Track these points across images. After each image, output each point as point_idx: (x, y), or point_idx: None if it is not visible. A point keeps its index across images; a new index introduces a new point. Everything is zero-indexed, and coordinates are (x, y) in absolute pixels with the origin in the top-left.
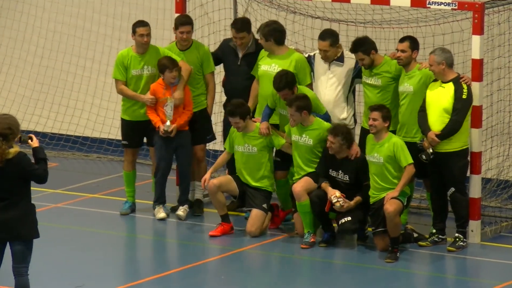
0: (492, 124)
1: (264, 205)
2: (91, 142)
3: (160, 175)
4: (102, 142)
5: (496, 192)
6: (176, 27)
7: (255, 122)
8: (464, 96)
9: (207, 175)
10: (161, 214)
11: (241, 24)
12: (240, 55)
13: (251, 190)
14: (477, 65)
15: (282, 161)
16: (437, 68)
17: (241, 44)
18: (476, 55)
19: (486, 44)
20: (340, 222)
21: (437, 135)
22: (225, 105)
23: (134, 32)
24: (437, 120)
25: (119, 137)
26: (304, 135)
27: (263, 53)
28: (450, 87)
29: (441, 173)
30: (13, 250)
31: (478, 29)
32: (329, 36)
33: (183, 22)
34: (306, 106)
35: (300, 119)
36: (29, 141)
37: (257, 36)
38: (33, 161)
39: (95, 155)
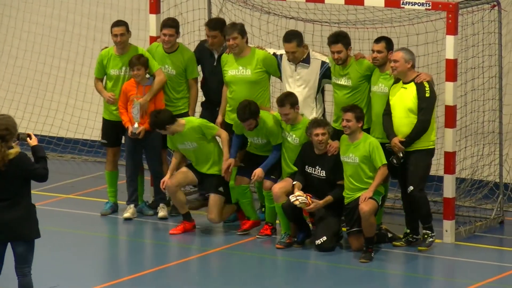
0: (466, 124)
1: (220, 189)
2: (66, 142)
3: (129, 174)
4: (77, 143)
5: (471, 192)
6: (160, 29)
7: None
8: (427, 95)
9: (166, 177)
10: (126, 214)
11: (214, 23)
12: (216, 55)
13: (204, 176)
14: (451, 65)
15: (246, 168)
16: (403, 66)
17: (213, 43)
18: (450, 55)
19: (460, 44)
20: (316, 244)
21: (407, 138)
22: (203, 104)
23: (111, 32)
24: (404, 121)
25: (94, 137)
26: (291, 133)
27: (225, 57)
28: (412, 88)
29: (405, 171)
30: (15, 251)
31: (452, 29)
32: (294, 37)
33: (166, 24)
34: (297, 101)
35: (294, 116)
36: (28, 139)
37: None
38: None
39: (69, 155)
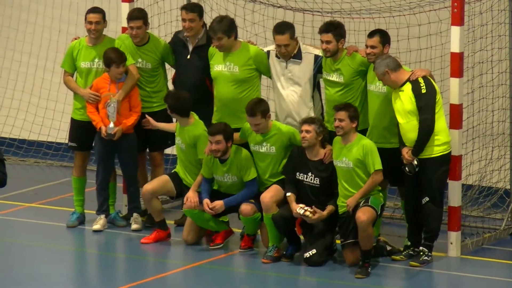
0: (474, 124)
1: None
2: (28, 145)
3: (99, 181)
4: (41, 146)
5: (478, 200)
6: (127, 22)
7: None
8: (423, 91)
9: (190, 193)
10: (96, 225)
11: (192, 5)
12: (191, 47)
13: (186, 189)
14: (457, 59)
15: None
16: (384, 79)
17: (190, 28)
18: (455, 48)
19: (466, 36)
20: (305, 257)
21: (415, 145)
22: None
23: (85, 19)
24: (407, 126)
25: (60, 140)
26: (264, 144)
27: (212, 50)
28: (407, 88)
29: (417, 179)
30: None
31: (458, 19)
32: (287, 28)
33: (132, 16)
34: (268, 108)
35: (265, 125)
36: None
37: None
38: None
39: (32, 159)
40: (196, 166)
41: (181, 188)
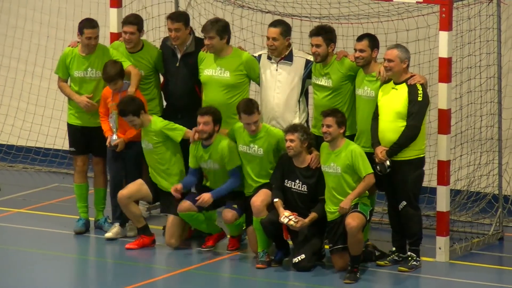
0: (462, 130)
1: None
2: (16, 151)
3: (112, 189)
4: (29, 151)
5: (466, 206)
6: (122, 26)
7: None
8: (419, 98)
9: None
10: (108, 233)
11: (178, 14)
12: (179, 55)
13: (166, 194)
14: (445, 64)
15: (196, 194)
16: (398, 66)
17: (176, 37)
18: (443, 53)
19: (454, 41)
20: (294, 262)
21: (394, 145)
22: (163, 110)
23: (81, 32)
24: (390, 126)
25: (49, 146)
26: (252, 145)
27: (202, 55)
28: (403, 89)
29: (393, 184)
30: None
31: (446, 24)
32: (281, 24)
33: (126, 21)
34: (258, 106)
35: (259, 124)
36: None
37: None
38: None
39: (20, 165)
40: (167, 165)
41: (156, 192)
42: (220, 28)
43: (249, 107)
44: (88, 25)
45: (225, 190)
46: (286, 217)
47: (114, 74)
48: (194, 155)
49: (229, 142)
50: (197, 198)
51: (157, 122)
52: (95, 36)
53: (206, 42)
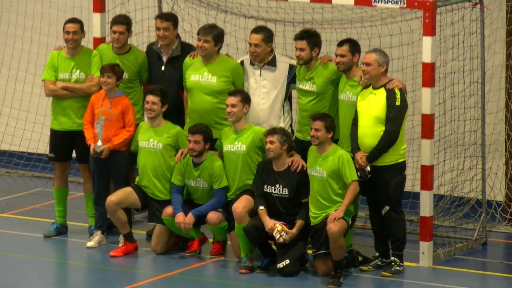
0: (445, 134)
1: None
2: None
3: (94, 197)
4: (12, 156)
5: (450, 210)
6: (110, 26)
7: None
8: (397, 103)
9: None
10: (89, 242)
11: (167, 15)
12: (165, 59)
13: (155, 203)
14: (429, 69)
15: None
16: (376, 70)
17: (164, 37)
18: (427, 58)
19: (438, 46)
20: (278, 267)
21: (373, 150)
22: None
23: (63, 29)
24: (368, 131)
25: (32, 150)
26: (236, 142)
27: (188, 61)
28: (381, 94)
29: (375, 189)
30: None
31: (430, 29)
32: (263, 30)
33: (116, 20)
34: (248, 98)
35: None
36: None
37: (188, 40)
38: None
39: (3, 169)
40: (167, 172)
41: (145, 200)
42: (217, 34)
43: (233, 92)
44: (68, 20)
45: (206, 209)
46: (279, 232)
47: (116, 66)
48: (181, 173)
49: (220, 163)
50: (177, 221)
51: (174, 125)
52: (74, 31)
53: (200, 44)
